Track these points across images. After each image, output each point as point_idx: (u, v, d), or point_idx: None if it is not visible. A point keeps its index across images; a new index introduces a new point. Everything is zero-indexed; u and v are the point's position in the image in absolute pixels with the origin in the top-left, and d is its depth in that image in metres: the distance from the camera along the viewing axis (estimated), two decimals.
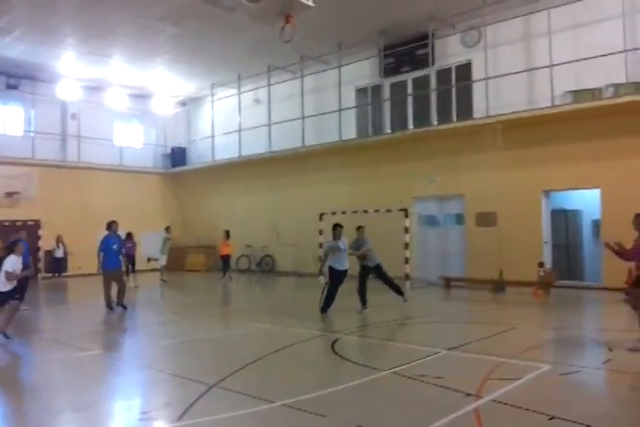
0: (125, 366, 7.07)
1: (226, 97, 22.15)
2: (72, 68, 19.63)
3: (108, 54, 18.34)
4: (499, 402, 5.00)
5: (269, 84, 20.07)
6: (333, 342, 7.79)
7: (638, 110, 12.52)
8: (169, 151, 24.40)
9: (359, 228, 11.32)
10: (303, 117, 18.85)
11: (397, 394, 5.48)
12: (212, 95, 22.49)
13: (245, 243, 20.71)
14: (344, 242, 10.38)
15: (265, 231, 20.33)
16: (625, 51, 12.77)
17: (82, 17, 15.14)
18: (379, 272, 11.18)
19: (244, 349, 7.79)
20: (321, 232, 16.72)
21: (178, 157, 24.12)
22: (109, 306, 11.32)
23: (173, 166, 24.02)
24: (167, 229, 17.88)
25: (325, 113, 18.42)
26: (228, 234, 18.12)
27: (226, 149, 21.65)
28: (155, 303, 14.02)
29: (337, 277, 10.29)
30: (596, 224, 14.37)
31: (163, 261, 17.55)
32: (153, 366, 6.89)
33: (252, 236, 20.69)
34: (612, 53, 12.71)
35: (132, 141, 23.70)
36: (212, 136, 22.29)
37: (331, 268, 10.33)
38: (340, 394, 5.42)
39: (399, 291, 11.48)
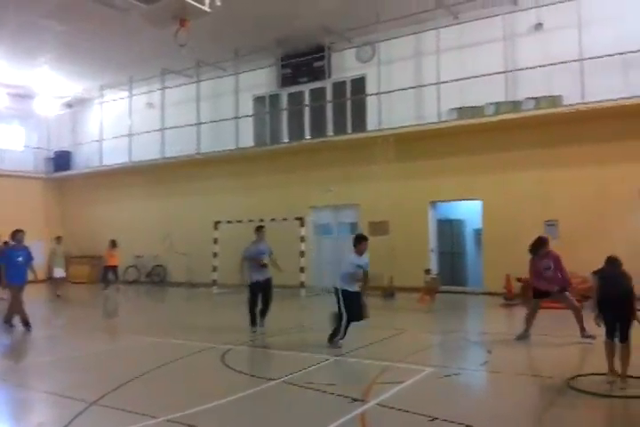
0: None
1: (117, 99, 21.22)
2: None
3: None
4: (383, 406, 5.11)
5: (163, 88, 19.52)
6: (223, 354, 7.62)
7: (516, 127, 13.53)
8: (52, 155, 22.93)
9: (259, 228, 10.01)
10: (198, 123, 18.49)
11: (286, 403, 5.44)
12: (102, 97, 21.51)
13: (134, 253, 19.86)
14: (365, 259, 8.26)
15: (156, 240, 19.56)
16: (505, 71, 13.75)
17: None
18: (268, 287, 9.64)
19: (129, 363, 7.39)
20: (216, 241, 16.43)
21: (62, 161, 22.66)
22: (26, 324, 10.05)
23: (56, 171, 22.57)
24: (57, 239, 16.73)
25: (222, 120, 18.18)
26: (114, 243, 17.22)
27: (115, 154, 20.68)
28: (35, 317, 12.99)
29: (353, 299, 8.03)
30: (478, 233, 15.30)
31: (58, 273, 16.25)
32: (28, 385, 6.39)
33: (142, 245, 19.86)
34: (493, 73, 13.65)
35: (12, 144, 21.96)
36: (100, 140, 21.24)
37: (344, 290, 7.97)
38: (228, 406, 5.29)
39: (264, 314, 9.65)
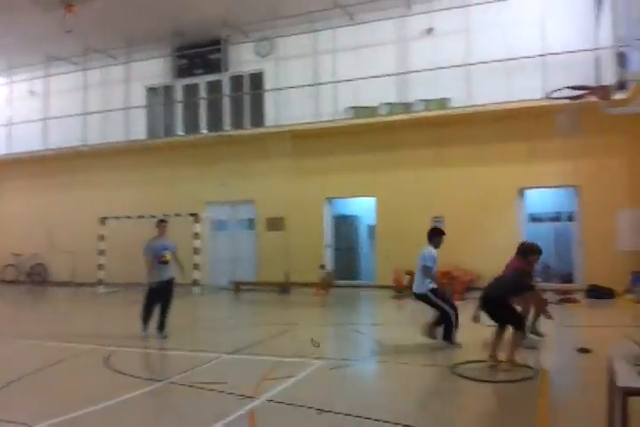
0: None
1: None
2: None
3: None
4: (273, 401, 5.08)
5: (47, 76, 18.25)
6: (108, 356, 7.23)
7: (408, 127, 14.06)
8: None
9: (162, 222, 8.84)
10: (85, 113, 17.45)
11: (173, 404, 5.26)
12: None
13: (13, 251, 18.44)
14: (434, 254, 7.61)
15: (36, 237, 18.28)
16: (398, 73, 14.18)
17: None
18: (170, 289, 8.70)
19: (3, 368, 6.78)
20: (102, 238, 15.62)
21: None
22: None
23: None
24: None
25: (112, 110, 17.31)
26: None
27: None
28: None
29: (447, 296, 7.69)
30: (372, 229, 15.74)
31: None
32: None
33: (22, 242, 18.49)
34: (386, 75, 14.03)
35: None
36: None
37: (433, 289, 7.41)
38: (111, 410, 5.00)
39: (163, 323, 8.59)
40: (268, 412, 4.89)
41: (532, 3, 13.24)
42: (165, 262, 8.48)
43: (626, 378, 2.70)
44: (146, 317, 8.52)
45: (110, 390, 5.64)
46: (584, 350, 6.70)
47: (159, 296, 8.52)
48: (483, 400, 5.26)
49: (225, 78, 16.57)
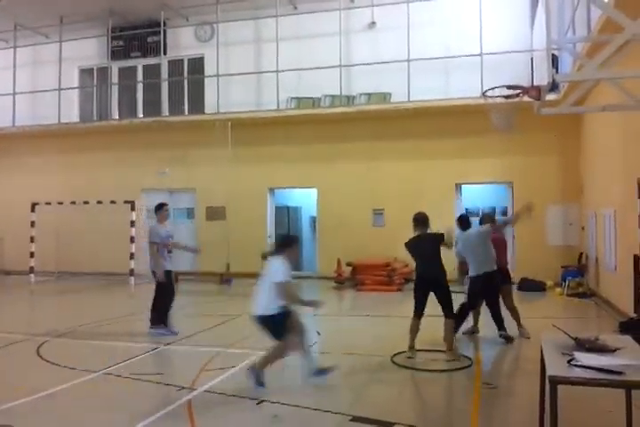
0: None
1: None
2: None
3: None
4: (212, 392, 5.06)
5: None
6: (40, 346, 6.97)
7: (349, 120, 14.14)
8: None
9: (163, 206, 8.16)
10: (14, 93, 16.54)
11: (108, 395, 5.14)
12: None
13: None
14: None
15: None
16: (340, 66, 14.17)
17: None
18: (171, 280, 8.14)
19: None
20: (33, 224, 14.93)
21: None
22: None
23: None
24: None
25: (43, 91, 16.47)
26: None
27: None
28: None
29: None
30: (313, 220, 15.82)
31: None
32: None
33: None
34: (328, 67, 13.96)
35: None
36: None
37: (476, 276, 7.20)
38: (42, 401, 4.86)
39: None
40: (207, 403, 4.86)
41: (471, 3, 13.48)
42: (170, 251, 8.02)
43: (555, 367, 2.85)
44: (164, 312, 7.81)
45: (43, 381, 5.47)
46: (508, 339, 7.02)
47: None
48: (419, 389, 5.43)
49: (163, 62, 16.10)
